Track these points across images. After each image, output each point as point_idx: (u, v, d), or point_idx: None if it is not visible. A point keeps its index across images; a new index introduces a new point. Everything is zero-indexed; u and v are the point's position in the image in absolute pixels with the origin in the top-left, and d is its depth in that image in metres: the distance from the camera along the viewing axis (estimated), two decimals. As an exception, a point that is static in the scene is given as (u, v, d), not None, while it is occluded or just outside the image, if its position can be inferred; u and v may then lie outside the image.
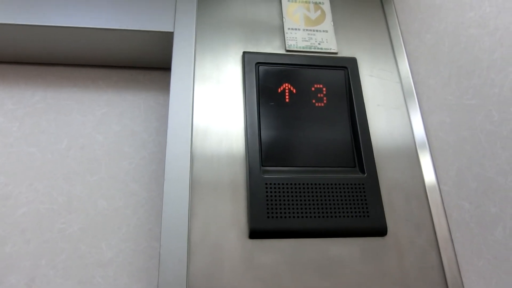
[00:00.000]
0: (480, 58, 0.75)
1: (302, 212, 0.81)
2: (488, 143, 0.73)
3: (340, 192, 0.84)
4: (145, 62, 1.10)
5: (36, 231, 0.91)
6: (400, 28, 1.04)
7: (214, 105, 0.90)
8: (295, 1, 1.05)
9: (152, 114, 1.06)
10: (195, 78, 0.92)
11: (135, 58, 1.07)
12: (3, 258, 0.88)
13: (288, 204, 0.82)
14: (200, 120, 0.87)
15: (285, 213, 0.81)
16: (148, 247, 0.93)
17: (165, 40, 0.98)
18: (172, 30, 0.96)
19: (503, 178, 0.69)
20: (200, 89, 0.91)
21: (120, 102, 1.06)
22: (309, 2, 1.05)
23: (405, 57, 1.01)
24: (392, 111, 0.95)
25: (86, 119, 1.03)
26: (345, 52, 1.01)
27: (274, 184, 0.83)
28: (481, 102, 0.75)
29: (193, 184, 0.81)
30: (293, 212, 0.81)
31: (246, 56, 0.95)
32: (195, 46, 0.95)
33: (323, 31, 1.02)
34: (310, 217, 0.81)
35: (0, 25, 0.93)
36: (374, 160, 0.88)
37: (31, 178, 0.96)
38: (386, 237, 0.83)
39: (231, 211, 0.81)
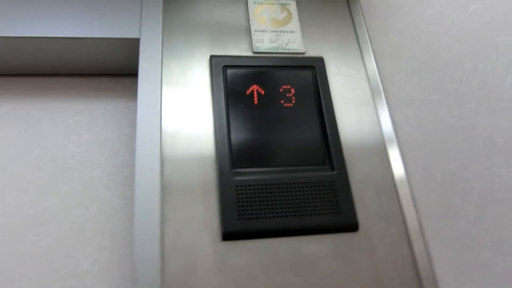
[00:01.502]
0: (439, 54, 0.77)
1: (273, 212, 0.82)
2: (450, 137, 0.75)
3: (311, 190, 0.85)
4: (114, 69, 1.10)
5: (9, 244, 0.91)
6: (366, 26, 1.06)
7: (182, 109, 0.90)
8: (262, 3, 1.06)
9: (124, 120, 1.06)
10: (162, 83, 0.92)
11: (104, 65, 1.07)
12: (-24, 274, 0.87)
13: (259, 205, 0.82)
14: (169, 125, 0.88)
15: (256, 214, 0.82)
16: (124, 254, 0.93)
17: (132, 47, 0.98)
18: (138, 37, 0.96)
19: (464, 170, 0.71)
20: (168, 94, 0.91)
21: (91, 110, 1.06)
22: (276, 4, 1.06)
23: (372, 54, 1.02)
24: (360, 107, 0.97)
25: (57, 129, 1.02)
26: (312, 52, 1.02)
27: (245, 185, 0.84)
28: (441, 97, 0.77)
29: (164, 189, 0.82)
30: (265, 213, 0.82)
31: (213, 60, 0.96)
32: (161, 51, 0.95)
33: (290, 31, 1.03)
34: (282, 216, 0.82)
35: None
36: (343, 157, 0.90)
37: (1, 191, 0.95)
38: (357, 233, 0.84)
39: (203, 214, 0.81)
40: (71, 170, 0.98)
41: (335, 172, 0.88)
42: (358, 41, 1.05)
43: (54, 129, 1.02)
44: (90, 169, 0.99)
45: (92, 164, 1.00)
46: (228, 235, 0.79)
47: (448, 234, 0.76)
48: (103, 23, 0.97)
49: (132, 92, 1.10)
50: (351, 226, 0.83)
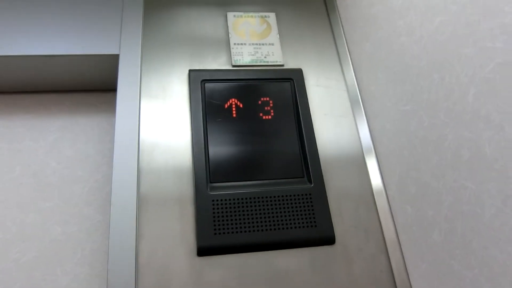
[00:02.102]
0: (410, 65, 0.77)
1: (249, 227, 0.82)
2: (422, 148, 0.74)
3: (287, 203, 0.85)
4: (96, 85, 1.11)
5: (-11, 261, 0.91)
6: (345, 38, 1.06)
7: (161, 124, 0.90)
8: (241, 16, 1.07)
9: (106, 136, 1.06)
10: (141, 98, 0.93)
11: (85, 81, 1.08)
12: (-44, 292, 0.88)
13: (235, 220, 0.82)
14: (147, 138, 0.88)
15: (232, 228, 0.81)
16: (104, 270, 0.93)
17: (112, 63, 0.99)
18: (118, 53, 0.97)
19: (436, 182, 0.71)
20: (147, 108, 0.92)
21: (73, 126, 1.07)
22: (255, 16, 1.07)
23: (351, 65, 1.02)
24: (339, 119, 0.97)
25: (38, 146, 1.03)
26: (291, 64, 1.02)
27: (221, 200, 0.83)
28: (413, 108, 0.76)
29: (141, 203, 0.82)
30: (240, 227, 0.82)
31: (191, 74, 0.96)
32: (141, 66, 0.96)
33: (269, 44, 1.04)
34: (258, 230, 0.82)
35: None
36: (321, 170, 0.89)
37: (-17, 209, 0.95)
38: (334, 246, 0.83)
39: (179, 229, 0.81)
40: (51, 186, 0.99)
41: (312, 184, 0.87)
42: (337, 52, 1.05)
43: (35, 145, 1.03)
44: (71, 185, 1.00)
45: (73, 180, 1.00)
46: (203, 251, 0.79)
47: (423, 246, 0.75)
48: (84, 40, 0.98)
49: (113, 107, 1.10)
50: (328, 239, 0.83)
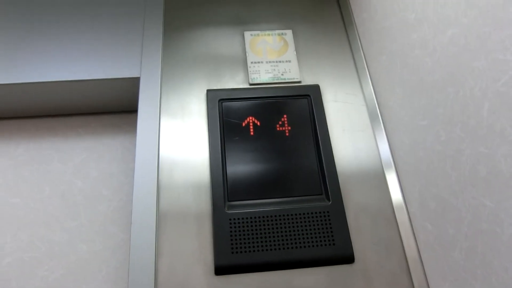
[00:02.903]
0: (424, 79, 0.76)
1: (266, 245, 0.82)
2: (439, 163, 0.72)
3: (305, 221, 0.84)
4: (119, 107, 1.14)
5: (20, 280, 0.95)
6: (363, 52, 1.05)
7: (180, 143, 0.92)
8: (258, 35, 1.08)
9: (129, 155, 1.10)
10: (161, 118, 0.95)
11: (108, 103, 1.12)
12: (-10, 308, 0.92)
13: (253, 238, 0.82)
14: (167, 157, 0.90)
15: (249, 247, 0.82)
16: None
17: (134, 85, 1.02)
18: (138, 75, 1.00)
19: (455, 198, 0.68)
20: (167, 128, 0.94)
21: (98, 146, 1.11)
22: (272, 34, 1.08)
23: (369, 79, 1.01)
24: (358, 134, 0.96)
25: (66, 167, 1.07)
26: (308, 80, 1.02)
27: (238, 219, 0.84)
28: (430, 123, 0.75)
29: (160, 221, 0.84)
30: (258, 246, 0.82)
31: (209, 94, 0.98)
32: (160, 87, 0.98)
33: (286, 61, 1.04)
34: (275, 249, 0.82)
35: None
36: (339, 186, 0.88)
37: (14, 228, 1.00)
38: (354, 264, 0.82)
39: (197, 247, 0.82)
40: (78, 206, 1.03)
41: (330, 202, 0.86)
42: (355, 67, 1.04)
43: (63, 166, 1.07)
44: (96, 204, 1.03)
45: (98, 199, 1.04)
46: (221, 269, 0.80)
47: (445, 265, 0.72)
48: (106, 65, 1.02)
49: (135, 127, 1.14)
50: (346, 258, 0.81)
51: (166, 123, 0.95)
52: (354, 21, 1.10)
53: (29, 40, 1.04)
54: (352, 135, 0.95)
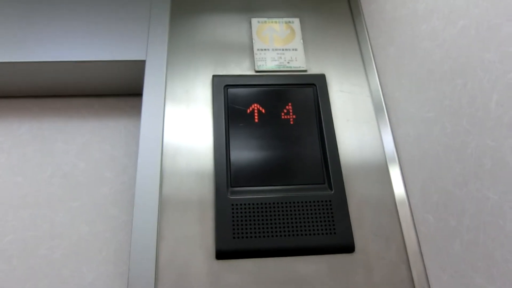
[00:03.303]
0: (433, 70, 0.75)
1: (268, 232, 0.82)
2: (445, 155, 0.72)
3: (307, 209, 0.85)
4: (124, 90, 1.14)
5: (21, 257, 0.95)
6: (370, 43, 1.05)
7: (184, 128, 0.92)
8: (265, 22, 1.07)
9: (133, 139, 1.10)
10: (166, 102, 0.95)
11: (113, 86, 1.12)
12: (-10, 285, 0.92)
13: (254, 224, 0.83)
14: (171, 142, 0.90)
15: (251, 233, 0.82)
16: (127, 269, 0.95)
17: (139, 68, 1.02)
18: (144, 59, 1.00)
19: (458, 190, 0.69)
20: (171, 113, 0.94)
21: (101, 129, 1.11)
22: (279, 22, 1.07)
23: (375, 71, 1.01)
24: (362, 125, 0.96)
25: (69, 147, 1.07)
26: (314, 69, 1.02)
27: (240, 205, 0.84)
28: (436, 115, 0.75)
29: (162, 206, 0.84)
30: (259, 232, 0.82)
31: (214, 80, 0.97)
32: (166, 72, 0.98)
33: (293, 49, 1.04)
34: (276, 236, 0.82)
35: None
36: (342, 176, 0.88)
37: (17, 207, 1.00)
38: (354, 253, 0.82)
39: (199, 232, 0.82)
40: (80, 187, 1.03)
41: (333, 191, 0.86)
42: (362, 58, 1.04)
43: (66, 147, 1.07)
44: (99, 186, 1.03)
45: (101, 181, 1.04)
46: (222, 254, 0.80)
47: (445, 257, 0.73)
48: (112, 47, 1.02)
49: (140, 111, 1.14)
50: (347, 247, 0.82)
51: (171, 108, 0.94)
52: (362, 12, 1.10)
53: (36, 19, 1.04)
54: (357, 126, 0.95)
